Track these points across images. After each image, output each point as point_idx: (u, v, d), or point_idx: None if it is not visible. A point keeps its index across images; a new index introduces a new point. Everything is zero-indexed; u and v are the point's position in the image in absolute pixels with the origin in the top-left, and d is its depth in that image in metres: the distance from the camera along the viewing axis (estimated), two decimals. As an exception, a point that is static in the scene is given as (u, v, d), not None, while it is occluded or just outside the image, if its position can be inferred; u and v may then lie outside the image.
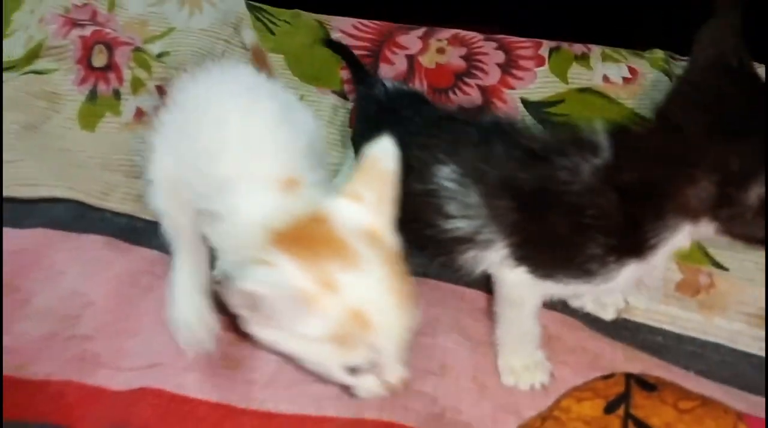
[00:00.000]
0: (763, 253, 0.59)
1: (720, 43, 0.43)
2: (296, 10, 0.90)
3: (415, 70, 0.81)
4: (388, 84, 0.64)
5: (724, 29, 0.43)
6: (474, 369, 0.52)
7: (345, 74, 0.81)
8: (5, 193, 0.65)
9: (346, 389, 0.47)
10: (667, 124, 0.43)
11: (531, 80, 0.78)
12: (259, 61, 0.74)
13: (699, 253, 0.59)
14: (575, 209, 0.43)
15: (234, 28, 0.86)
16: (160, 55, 0.83)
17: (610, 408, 0.47)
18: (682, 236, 0.43)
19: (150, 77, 0.78)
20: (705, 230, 0.42)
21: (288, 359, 0.46)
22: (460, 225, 0.47)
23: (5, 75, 0.82)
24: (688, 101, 0.44)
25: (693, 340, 0.53)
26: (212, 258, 0.53)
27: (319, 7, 0.89)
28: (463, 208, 0.46)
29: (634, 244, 0.44)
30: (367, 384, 0.45)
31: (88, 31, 0.82)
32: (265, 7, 0.90)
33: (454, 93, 0.78)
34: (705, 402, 0.46)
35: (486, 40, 0.83)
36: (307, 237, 0.43)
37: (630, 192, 0.42)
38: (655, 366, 0.51)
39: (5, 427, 0.50)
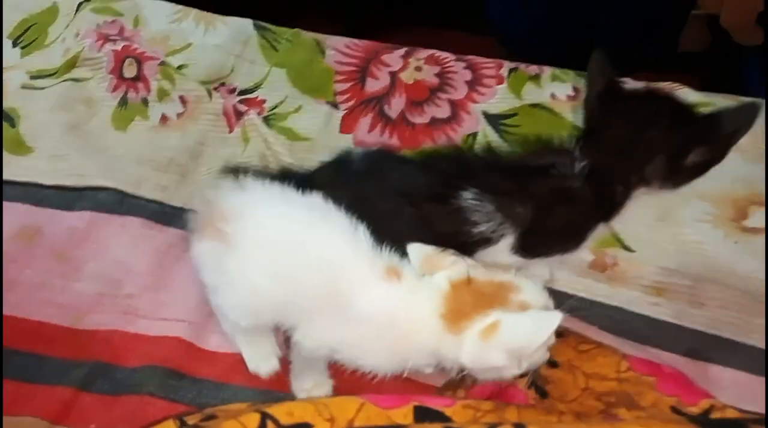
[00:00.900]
0: (664, 236, 0.75)
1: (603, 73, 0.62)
2: (297, 30, 1.05)
3: (396, 85, 0.95)
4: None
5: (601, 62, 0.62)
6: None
7: (337, 87, 0.96)
8: (59, 182, 0.80)
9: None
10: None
11: (492, 96, 0.92)
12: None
13: (612, 239, 0.75)
14: (570, 199, 0.60)
15: (243, 44, 1.02)
16: (179, 67, 0.97)
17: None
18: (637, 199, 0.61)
19: (173, 88, 0.92)
20: (653, 190, 0.61)
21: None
22: (482, 229, 0.60)
23: (48, 80, 0.96)
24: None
25: (601, 304, 0.68)
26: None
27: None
28: (483, 216, 0.60)
29: (608, 212, 0.61)
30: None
31: (119, 46, 0.96)
32: (269, 26, 1.05)
33: (428, 105, 0.93)
34: (599, 346, 0.62)
35: (456, 60, 0.98)
36: (479, 293, 0.53)
37: (605, 176, 0.60)
38: (567, 321, 0.66)
39: (70, 365, 0.65)
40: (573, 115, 0.88)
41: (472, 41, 2.13)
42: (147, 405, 0.61)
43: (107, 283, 0.71)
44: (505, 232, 0.61)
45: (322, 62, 0.98)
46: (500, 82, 0.94)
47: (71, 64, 0.97)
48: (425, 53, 0.99)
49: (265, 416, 0.44)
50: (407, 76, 0.96)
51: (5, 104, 0.92)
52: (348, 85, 0.95)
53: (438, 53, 0.99)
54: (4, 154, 0.84)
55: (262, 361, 0.63)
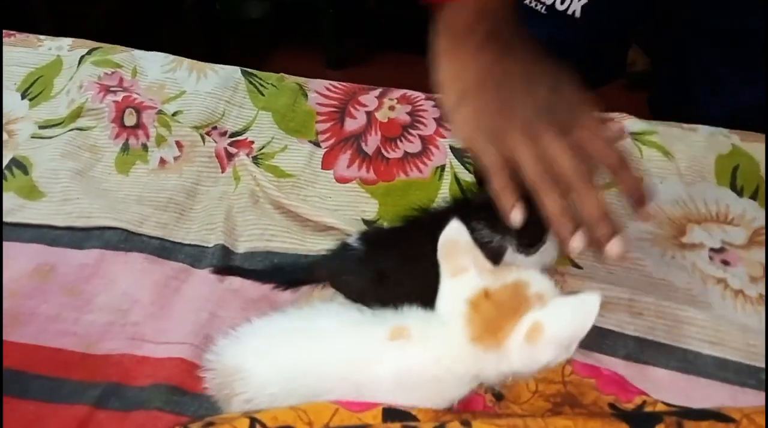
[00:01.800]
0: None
1: None
2: (281, 74, 1.15)
3: (372, 124, 1.05)
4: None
5: None
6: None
7: (319, 127, 1.06)
8: (70, 224, 0.89)
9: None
10: None
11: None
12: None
13: (563, 258, 0.84)
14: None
15: (232, 90, 1.11)
16: (175, 114, 1.06)
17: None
18: None
19: (170, 134, 1.01)
20: None
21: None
22: (495, 246, 0.69)
23: (55, 130, 1.06)
24: None
25: (552, 317, 0.78)
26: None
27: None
28: (491, 235, 0.69)
29: None
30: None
31: (119, 97, 1.06)
32: (256, 72, 1.15)
33: (401, 141, 1.02)
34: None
35: (426, 98, 1.08)
36: (500, 305, 0.56)
37: None
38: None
39: (86, 386, 0.73)
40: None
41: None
42: (155, 419, 0.69)
43: (115, 313, 0.79)
44: (505, 243, 0.70)
45: (305, 104, 1.08)
46: (465, 118, 1.03)
47: (76, 114, 1.06)
48: (398, 93, 1.09)
49: (253, 420, 0.53)
50: (382, 115, 1.06)
51: (17, 153, 1.01)
52: (328, 124, 1.05)
53: (410, 93, 1.09)
54: (21, 199, 0.93)
55: None
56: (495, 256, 0.71)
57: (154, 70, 1.14)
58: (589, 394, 0.67)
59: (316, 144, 1.03)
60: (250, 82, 1.12)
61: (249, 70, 1.14)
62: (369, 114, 1.06)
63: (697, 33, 1.07)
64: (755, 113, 0.99)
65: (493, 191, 0.65)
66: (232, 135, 1.04)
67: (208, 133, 1.03)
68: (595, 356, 0.73)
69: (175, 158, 1.00)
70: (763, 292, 0.79)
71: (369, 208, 0.93)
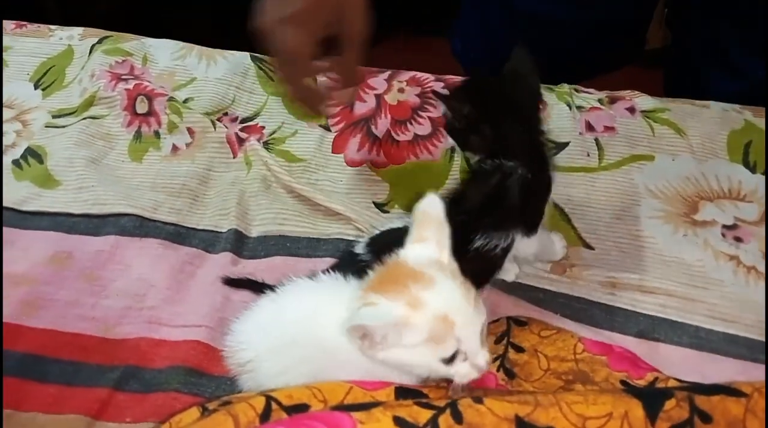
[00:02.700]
0: (620, 232, 0.85)
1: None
2: (290, 60, 1.15)
3: (381, 107, 1.05)
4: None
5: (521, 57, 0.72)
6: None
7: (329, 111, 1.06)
8: (86, 211, 0.90)
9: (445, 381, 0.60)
10: None
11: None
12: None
13: (575, 238, 0.84)
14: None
15: (242, 76, 1.12)
16: (186, 101, 1.07)
17: (498, 341, 0.71)
18: None
19: (181, 120, 1.02)
20: None
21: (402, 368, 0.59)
22: (503, 246, 0.70)
23: (68, 119, 1.07)
24: None
25: (563, 295, 0.77)
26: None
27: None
28: (498, 239, 0.69)
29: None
30: (462, 371, 0.57)
31: (131, 85, 1.07)
32: (265, 58, 1.15)
33: (411, 124, 1.03)
34: (559, 331, 0.71)
35: (436, 80, 1.08)
36: (392, 277, 0.57)
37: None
38: (534, 311, 0.75)
39: (105, 369, 0.75)
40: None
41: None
42: (173, 400, 0.70)
43: (132, 298, 0.81)
44: (515, 237, 0.71)
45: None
46: (475, 100, 1.03)
47: (89, 103, 1.07)
48: (407, 75, 1.09)
49: (269, 398, 0.54)
50: (391, 98, 1.06)
51: (32, 143, 1.03)
52: (338, 108, 1.05)
53: (419, 75, 1.09)
54: (37, 188, 0.94)
55: None
56: (504, 252, 0.71)
57: (165, 58, 1.15)
58: (600, 371, 0.67)
59: (327, 128, 1.03)
60: (260, 68, 1.12)
61: (258, 55, 1.14)
62: (378, 97, 1.06)
63: (715, 14, 1.06)
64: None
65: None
66: (243, 120, 1.05)
67: (219, 119, 1.04)
68: (606, 334, 0.74)
69: (188, 144, 1.01)
70: (776, 268, 0.79)
71: (380, 190, 0.94)
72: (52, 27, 1.24)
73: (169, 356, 0.75)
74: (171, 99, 1.05)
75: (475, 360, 0.56)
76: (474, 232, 0.69)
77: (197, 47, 1.16)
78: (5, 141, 1.04)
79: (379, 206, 0.92)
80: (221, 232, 0.89)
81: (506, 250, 0.71)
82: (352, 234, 0.87)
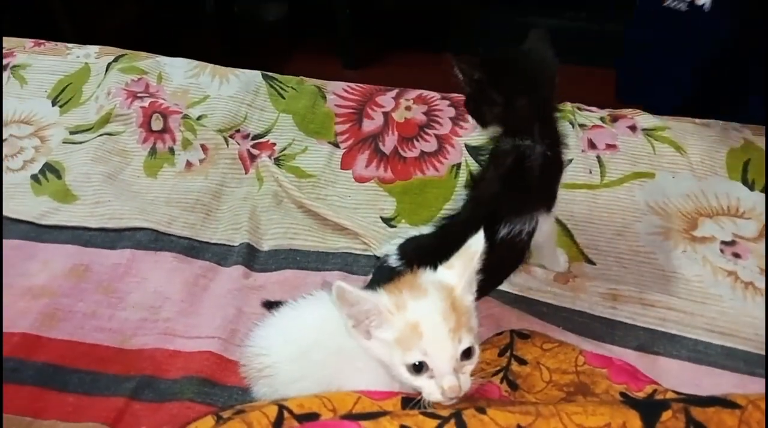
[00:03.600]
0: (621, 248, 0.87)
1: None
2: (300, 78, 1.18)
3: (389, 124, 1.08)
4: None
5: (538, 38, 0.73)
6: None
7: (338, 128, 1.09)
8: (102, 225, 0.93)
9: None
10: None
11: (473, 130, 1.05)
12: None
13: (577, 254, 0.87)
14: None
15: (254, 93, 1.15)
16: (199, 118, 1.10)
17: (501, 353, 0.74)
18: None
19: (195, 137, 1.05)
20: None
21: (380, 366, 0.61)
22: (528, 230, 0.72)
23: (85, 135, 1.10)
24: None
25: (565, 309, 0.80)
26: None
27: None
28: (521, 225, 0.71)
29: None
30: (428, 388, 0.58)
31: (146, 103, 1.10)
32: (276, 76, 1.18)
33: (417, 140, 1.05)
34: (561, 344, 0.73)
35: (442, 98, 1.11)
36: (401, 284, 0.61)
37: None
38: (537, 325, 0.77)
39: (121, 379, 0.77)
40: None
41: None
42: (187, 409, 0.73)
43: (148, 310, 0.84)
44: (538, 217, 0.72)
45: (324, 106, 1.12)
46: (481, 117, 1.06)
47: (105, 120, 1.10)
48: (414, 93, 1.12)
49: (281, 407, 0.56)
50: (399, 116, 1.09)
51: (50, 158, 1.06)
52: (347, 125, 1.08)
53: (425, 93, 1.12)
54: (55, 203, 0.98)
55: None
56: (530, 235, 0.72)
57: (179, 76, 1.18)
58: (601, 383, 0.69)
59: (335, 145, 1.06)
60: (271, 86, 1.16)
61: (270, 74, 1.18)
62: (386, 114, 1.09)
63: None
64: None
65: None
66: (255, 137, 1.08)
67: (231, 136, 1.07)
68: (607, 347, 0.76)
69: (201, 161, 1.04)
70: (773, 284, 0.81)
71: (387, 205, 0.97)
72: (69, 45, 1.28)
73: (183, 366, 0.77)
74: (185, 116, 1.08)
75: (441, 382, 0.57)
76: (497, 222, 0.70)
77: (210, 65, 1.20)
78: (24, 157, 1.07)
79: (387, 221, 0.94)
80: (233, 246, 0.92)
81: (531, 234, 0.72)
82: (359, 249, 0.90)
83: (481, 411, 0.55)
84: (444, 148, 1.03)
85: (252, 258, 0.90)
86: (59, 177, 1.03)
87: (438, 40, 2.34)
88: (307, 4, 2.52)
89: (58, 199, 0.99)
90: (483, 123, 0.74)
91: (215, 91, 1.15)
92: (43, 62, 1.24)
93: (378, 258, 0.82)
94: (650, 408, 0.57)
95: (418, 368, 0.57)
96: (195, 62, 1.21)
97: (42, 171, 1.04)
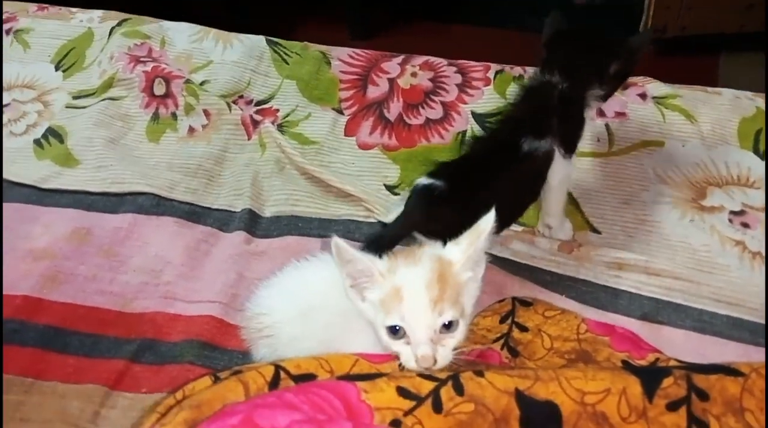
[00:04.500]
0: (627, 217, 0.86)
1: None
2: (305, 43, 1.16)
3: (394, 90, 1.06)
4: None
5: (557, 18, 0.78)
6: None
7: (342, 94, 1.08)
8: (104, 190, 0.93)
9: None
10: None
11: (480, 97, 1.03)
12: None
13: (582, 222, 0.86)
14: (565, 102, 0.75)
15: (257, 59, 1.14)
16: (202, 83, 1.09)
17: (502, 320, 0.73)
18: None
19: (198, 103, 1.04)
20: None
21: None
22: (546, 148, 0.74)
23: (88, 100, 1.09)
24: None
25: (569, 277, 0.79)
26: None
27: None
28: (539, 143, 0.74)
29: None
30: (404, 354, 0.58)
31: (149, 67, 1.09)
32: (280, 41, 1.17)
33: (423, 107, 1.04)
34: (563, 311, 0.73)
35: (449, 65, 1.08)
36: (402, 253, 0.62)
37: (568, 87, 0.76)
38: (540, 293, 0.77)
39: (122, 342, 0.77)
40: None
41: (479, 33, 2.23)
42: (187, 371, 0.73)
43: (149, 274, 0.83)
44: (554, 145, 0.75)
45: (328, 72, 1.10)
46: (487, 84, 1.04)
47: (108, 84, 1.09)
48: (420, 59, 1.10)
49: (278, 368, 0.56)
50: (404, 82, 1.07)
51: (53, 123, 1.05)
52: (351, 92, 1.07)
53: (432, 59, 1.10)
54: (57, 167, 0.97)
55: None
56: (545, 163, 0.75)
57: (182, 41, 1.17)
58: (602, 351, 0.69)
59: (339, 111, 1.05)
60: (275, 51, 1.14)
61: (274, 38, 1.16)
62: (391, 81, 1.07)
63: None
64: None
65: None
66: (258, 103, 1.07)
67: (234, 102, 1.06)
68: (611, 316, 0.75)
69: (203, 126, 1.03)
70: (782, 254, 0.80)
71: (391, 173, 0.95)
72: (73, 10, 1.26)
73: (183, 330, 0.77)
74: (188, 81, 1.07)
75: (416, 350, 0.58)
76: (522, 136, 0.74)
77: (214, 30, 1.18)
78: (27, 121, 1.07)
79: (390, 188, 0.93)
80: (235, 212, 0.91)
81: (547, 158, 0.75)
82: (362, 216, 0.89)
83: (479, 374, 0.55)
84: (450, 115, 1.02)
85: (254, 224, 0.89)
86: (62, 141, 1.02)
87: (448, 11, 2.30)
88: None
89: (61, 163, 0.98)
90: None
91: (218, 56, 1.14)
92: (47, 26, 1.22)
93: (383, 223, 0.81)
94: (651, 374, 0.56)
95: (396, 332, 0.58)
96: (198, 27, 1.19)
97: (45, 135, 1.04)
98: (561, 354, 0.69)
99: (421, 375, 0.54)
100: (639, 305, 0.76)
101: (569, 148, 0.76)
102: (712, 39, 1.94)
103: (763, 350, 0.71)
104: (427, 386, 0.53)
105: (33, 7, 1.27)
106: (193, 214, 0.91)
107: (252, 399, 0.53)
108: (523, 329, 0.72)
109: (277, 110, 1.05)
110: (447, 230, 0.67)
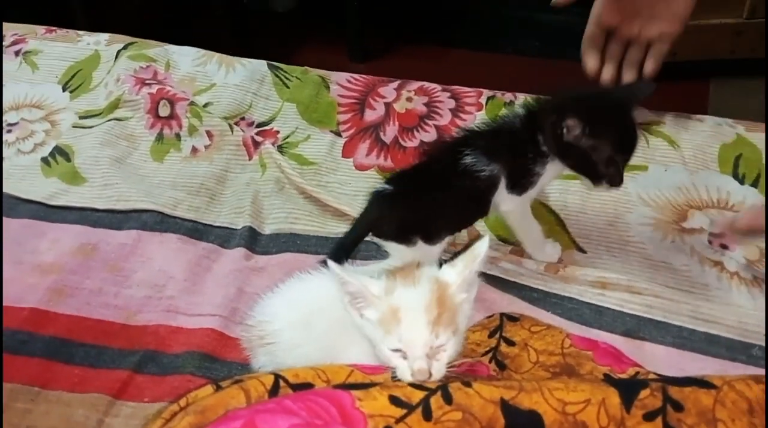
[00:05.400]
0: (612, 237, 0.90)
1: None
2: (305, 68, 1.21)
3: (390, 114, 1.11)
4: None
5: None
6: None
7: (340, 117, 1.12)
8: (110, 207, 0.96)
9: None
10: None
11: (472, 121, 1.07)
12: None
13: (569, 242, 0.89)
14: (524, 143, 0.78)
15: (259, 82, 1.18)
16: (205, 105, 1.13)
17: (491, 335, 0.76)
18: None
19: (201, 124, 1.08)
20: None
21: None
22: (486, 172, 0.77)
23: (94, 120, 1.13)
24: None
25: (555, 295, 0.82)
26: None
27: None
28: (483, 164, 0.76)
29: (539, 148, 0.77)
30: (401, 368, 0.61)
31: (154, 89, 1.13)
32: (281, 65, 1.21)
33: (418, 131, 1.08)
34: (549, 327, 0.76)
35: (443, 90, 1.13)
36: (401, 273, 0.64)
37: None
38: (527, 309, 0.80)
39: (126, 353, 0.80)
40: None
41: (475, 57, 2.29)
42: (188, 382, 0.76)
43: (152, 288, 0.86)
44: (500, 174, 0.77)
45: (327, 96, 1.15)
46: (479, 109, 1.09)
47: (114, 105, 1.13)
48: (415, 85, 1.15)
49: (278, 377, 0.59)
50: (400, 106, 1.11)
51: (60, 142, 1.09)
52: (349, 115, 1.11)
53: (426, 85, 1.15)
54: (65, 184, 1.01)
55: None
56: (488, 187, 0.77)
57: (186, 64, 1.21)
58: (586, 365, 0.72)
59: (338, 133, 1.09)
60: (276, 75, 1.18)
61: (275, 63, 1.21)
62: (388, 105, 1.12)
63: None
64: None
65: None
66: (259, 125, 1.11)
67: (236, 123, 1.10)
68: (594, 332, 0.78)
69: (206, 146, 1.07)
70: (758, 275, 0.83)
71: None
72: (80, 33, 1.31)
73: (185, 342, 0.80)
74: (192, 103, 1.11)
75: (412, 364, 0.61)
76: (467, 147, 0.77)
77: (217, 54, 1.22)
78: (35, 140, 1.11)
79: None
80: (236, 229, 0.94)
81: (489, 184, 0.77)
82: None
83: (467, 384, 0.58)
84: (443, 138, 1.06)
85: (254, 241, 0.93)
86: (69, 160, 1.06)
87: (447, 34, 2.36)
88: (316, -4, 2.54)
89: (68, 180, 1.02)
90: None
91: (221, 79, 1.18)
92: (55, 48, 1.26)
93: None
94: (629, 386, 0.60)
95: (396, 349, 0.62)
96: (202, 51, 1.23)
97: (52, 153, 1.07)
98: (546, 368, 0.73)
99: (412, 384, 0.57)
100: (622, 322, 0.80)
101: (514, 187, 0.79)
102: (702, 65, 2.00)
103: (739, 365, 0.75)
104: (418, 395, 0.56)
105: (41, 29, 1.31)
106: (196, 230, 0.94)
107: (253, 405, 0.56)
108: (511, 343, 0.75)
109: (278, 132, 1.09)
110: (397, 231, 0.77)
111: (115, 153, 1.06)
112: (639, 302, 0.81)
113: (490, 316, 0.79)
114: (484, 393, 0.57)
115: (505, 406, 0.57)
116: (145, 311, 0.84)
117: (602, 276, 0.84)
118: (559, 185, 0.95)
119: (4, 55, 1.24)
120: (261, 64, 1.20)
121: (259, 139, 1.08)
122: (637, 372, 0.71)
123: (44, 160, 1.07)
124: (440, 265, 0.67)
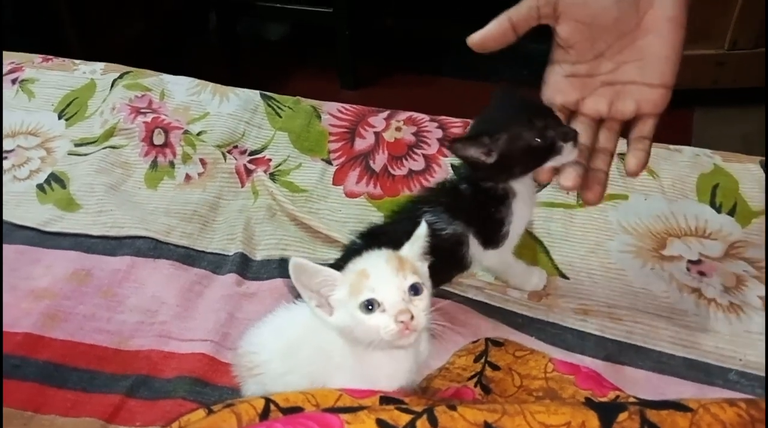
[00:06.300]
0: (594, 265, 0.92)
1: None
2: (297, 98, 1.24)
3: (380, 143, 1.14)
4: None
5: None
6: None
7: (331, 146, 1.15)
8: (104, 233, 0.98)
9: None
10: None
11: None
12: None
13: (552, 268, 0.92)
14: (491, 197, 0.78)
15: (252, 112, 1.21)
16: (199, 134, 1.16)
17: (476, 359, 0.79)
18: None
19: (195, 152, 1.11)
20: None
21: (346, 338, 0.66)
22: (449, 231, 0.78)
23: (89, 148, 1.15)
24: None
25: (539, 320, 0.85)
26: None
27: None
28: (444, 223, 0.78)
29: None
30: (383, 323, 0.62)
31: (149, 118, 1.16)
32: (273, 95, 1.24)
33: (406, 159, 1.11)
34: (532, 352, 0.78)
35: (430, 120, 1.16)
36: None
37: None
38: (511, 334, 0.82)
39: (118, 378, 0.82)
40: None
41: (464, 86, 2.34)
42: (180, 406, 0.77)
43: (145, 313, 0.88)
44: (466, 232, 0.78)
45: (318, 125, 1.18)
46: (466, 139, 1.12)
47: (109, 133, 1.15)
48: (404, 115, 1.18)
49: (268, 401, 0.61)
50: (389, 136, 1.14)
51: (55, 169, 1.11)
52: (340, 144, 1.14)
53: (415, 115, 1.18)
54: (59, 211, 1.03)
55: None
56: (453, 246, 0.78)
57: (181, 93, 1.24)
58: (568, 389, 0.74)
59: (328, 162, 1.12)
60: (269, 105, 1.21)
61: (267, 93, 1.24)
62: (377, 134, 1.15)
63: None
64: None
65: None
66: (252, 153, 1.13)
67: (229, 151, 1.13)
68: (577, 356, 0.81)
69: (200, 174, 1.09)
70: (735, 301, 0.86)
71: (375, 220, 1.01)
72: (76, 62, 1.34)
73: (177, 367, 0.82)
74: (186, 132, 1.14)
75: (392, 311, 0.62)
76: (426, 204, 0.78)
77: (211, 84, 1.25)
78: (30, 167, 1.13)
79: (375, 235, 0.99)
80: (228, 255, 0.96)
81: (455, 242, 0.78)
82: (348, 261, 0.95)
83: (452, 408, 0.60)
84: (431, 166, 1.09)
85: (245, 267, 0.95)
86: (64, 186, 1.08)
87: (436, 63, 2.42)
88: (308, 25, 2.60)
89: (62, 207, 1.04)
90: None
91: (215, 108, 1.21)
92: (51, 77, 1.29)
93: None
94: (608, 409, 0.62)
95: (370, 306, 0.63)
96: (196, 81, 1.26)
97: (47, 180, 1.09)
98: (530, 392, 0.75)
99: (399, 408, 0.59)
100: (603, 347, 0.82)
101: (488, 243, 0.80)
102: (686, 94, 2.05)
103: (716, 389, 0.77)
104: (405, 418, 0.58)
105: (38, 58, 1.34)
106: (188, 257, 0.96)
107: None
108: (495, 368, 0.77)
109: (270, 160, 1.12)
110: None
111: (110, 180, 1.08)
112: (620, 328, 0.84)
113: (475, 341, 0.81)
114: (468, 416, 0.59)
115: (489, 429, 0.58)
116: (138, 336, 0.86)
117: (584, 303, 0.86)
118: (543, 213, 0.98)
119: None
120: (254, 94, 1.23)
121: (251, 166, 1.10)
122: (618, 396, 0.73)
123: (40, 186, 1.09)
124: None
